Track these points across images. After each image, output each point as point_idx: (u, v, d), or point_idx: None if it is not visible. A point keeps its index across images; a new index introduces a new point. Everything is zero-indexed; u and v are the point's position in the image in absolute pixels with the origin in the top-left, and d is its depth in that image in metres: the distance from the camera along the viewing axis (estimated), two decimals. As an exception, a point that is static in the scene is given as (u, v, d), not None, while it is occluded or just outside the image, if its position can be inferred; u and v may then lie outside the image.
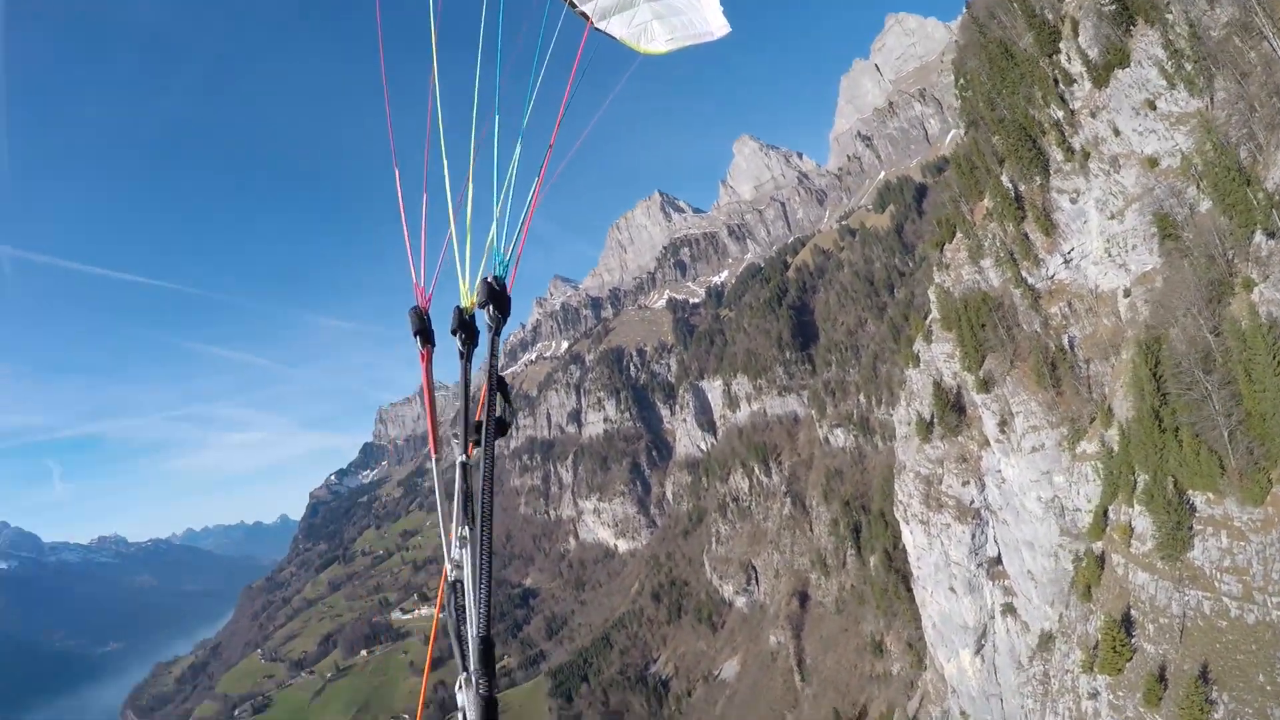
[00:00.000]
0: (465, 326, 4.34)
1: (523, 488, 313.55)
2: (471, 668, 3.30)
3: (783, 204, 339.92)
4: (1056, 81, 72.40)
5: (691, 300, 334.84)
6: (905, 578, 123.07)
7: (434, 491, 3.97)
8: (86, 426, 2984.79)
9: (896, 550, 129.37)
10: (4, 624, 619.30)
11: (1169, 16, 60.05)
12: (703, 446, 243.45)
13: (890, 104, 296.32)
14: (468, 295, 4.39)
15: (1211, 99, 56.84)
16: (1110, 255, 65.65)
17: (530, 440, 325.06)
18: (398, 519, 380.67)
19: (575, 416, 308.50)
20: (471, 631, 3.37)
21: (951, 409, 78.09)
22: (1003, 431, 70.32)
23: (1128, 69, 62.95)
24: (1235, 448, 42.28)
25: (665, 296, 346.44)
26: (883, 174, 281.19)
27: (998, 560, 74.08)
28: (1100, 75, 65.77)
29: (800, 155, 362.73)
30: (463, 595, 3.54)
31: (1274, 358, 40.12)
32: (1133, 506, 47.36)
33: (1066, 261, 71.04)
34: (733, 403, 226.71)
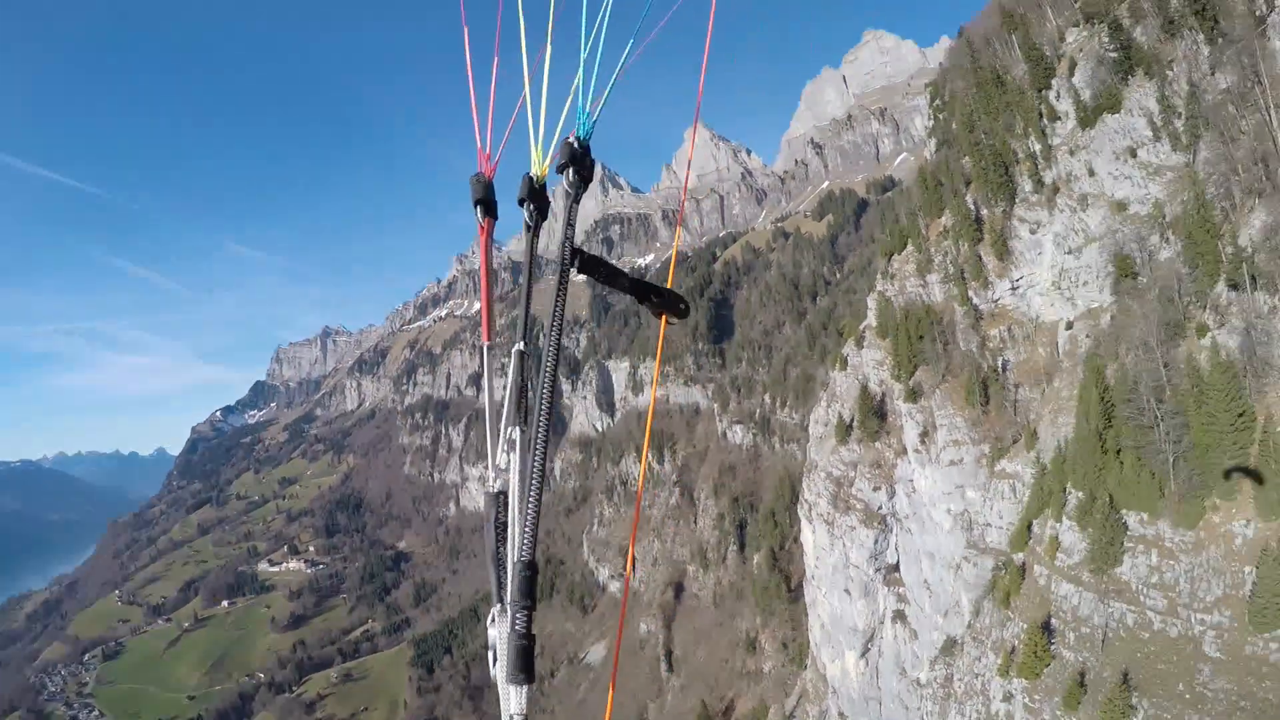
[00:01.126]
0: (535, 196, 3.43)
1: (410, 446, 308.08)
2: (508, 598, 2.62)
3: (722, 197, 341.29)
4: (1041, 115, 73.51)
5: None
6: (788, 578, 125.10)
7: (476, 385, 2.87)
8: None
9: (782, 551, 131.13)
10: None
11: (1169, 73, 61.41)
12: (599, 426, 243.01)
13: (849, 116, 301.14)
14: (539, 162, 3.50)
15: (1194, 156, 58.32)
16: (1059, 289, 67.10)
17: (425, 399, 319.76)
18: (278, 465, 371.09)
19: (476, 380, 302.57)
20: (512, 555, 2.71)
21: (874, 414, 78.88)
22: (923, 442, 71.20)
23: (1117, 115, 64.14)
24: (1176, 474, 44.12)
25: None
26: (826, 184, 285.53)
27: (895, 567, 75.20)
28: (1088, 117, 66.85)
29: (749, 152, 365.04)
30: (505, 510, 2.83)
31: (1227, 396, 42.10)
32: (1061, 522, 49.01)
33: (1014, 288, 72.38)
34: (637, 386, 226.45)
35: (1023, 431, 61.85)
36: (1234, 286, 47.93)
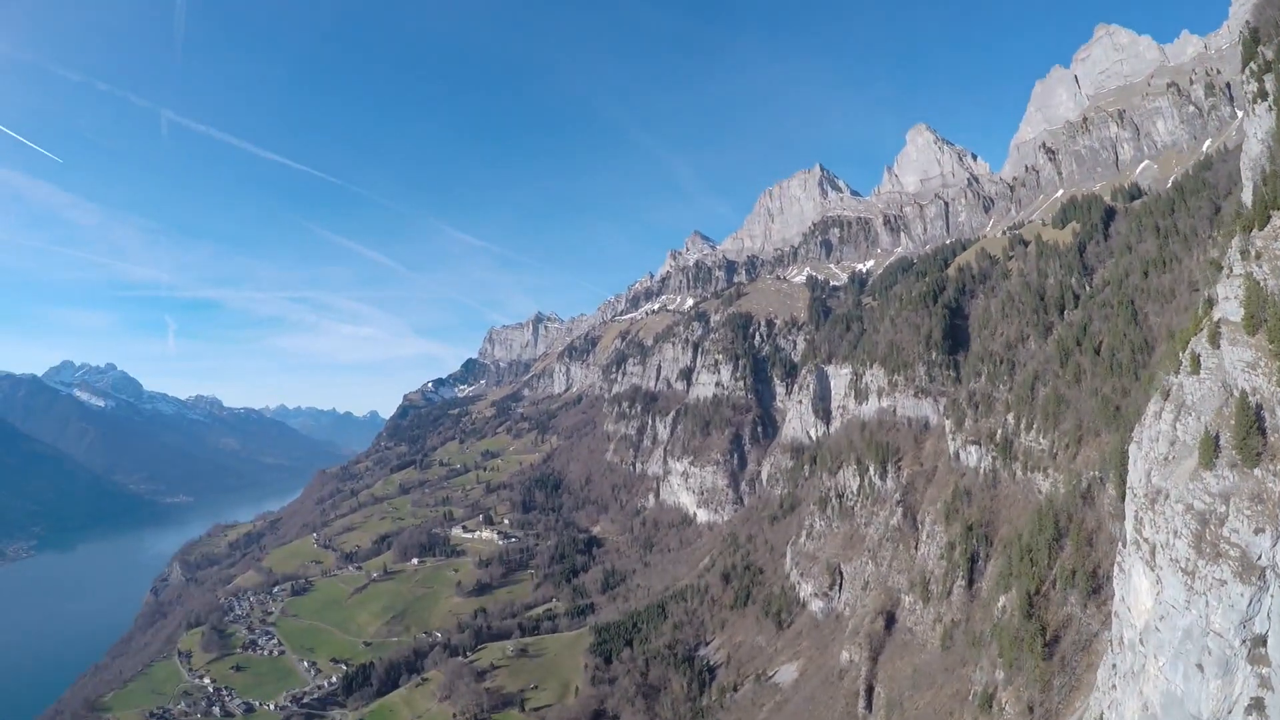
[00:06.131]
0: None
1: (614, 434, 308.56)
2: None
3: (947, 203, 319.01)
4: None
5: (832, 282, 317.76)
6: (1044, 629, 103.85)
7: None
8: (209, 291, 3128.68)
9: (1038, 596, 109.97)
10: (89, 457, 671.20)
11: None
12: (812, 433, 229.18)
13: (1084, 119, 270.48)
14: None
15: None
16: None
17: (634, 389, 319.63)
18: (483, 437, 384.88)
19: (686, 375, 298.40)
20: None
21: (1256, 431, 58.49)
22: (1329, 472, 51.39)
23: None
24: None
25: (805, 273, 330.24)
26: (1061, 191, 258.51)
27: (1262, 640, 55.16)
28: None
29: (975, 157, 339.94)
30: None
31: None
32: None
33: None
34: (860, 394, 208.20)
35: None
36: None
